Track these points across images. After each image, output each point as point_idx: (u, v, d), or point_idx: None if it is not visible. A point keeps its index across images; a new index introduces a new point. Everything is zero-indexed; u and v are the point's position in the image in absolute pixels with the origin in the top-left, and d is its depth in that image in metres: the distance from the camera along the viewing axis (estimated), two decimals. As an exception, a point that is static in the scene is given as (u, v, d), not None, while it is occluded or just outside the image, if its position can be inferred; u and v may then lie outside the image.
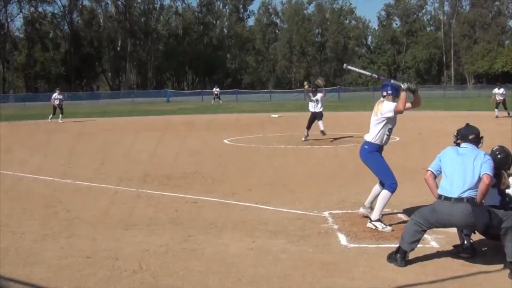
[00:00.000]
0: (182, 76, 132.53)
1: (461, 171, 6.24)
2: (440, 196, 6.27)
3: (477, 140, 6.63)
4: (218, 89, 67.34)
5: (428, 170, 6.60)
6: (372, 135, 8.19)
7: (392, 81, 8.33)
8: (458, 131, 6.84)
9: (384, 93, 8.27)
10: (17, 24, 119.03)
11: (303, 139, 20.43)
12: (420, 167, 11.06)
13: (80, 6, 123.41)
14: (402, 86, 7.82)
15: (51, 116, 35.36)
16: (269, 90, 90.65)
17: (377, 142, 8.12)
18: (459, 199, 6.12)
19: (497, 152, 6.83)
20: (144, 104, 65.20)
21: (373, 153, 8.15)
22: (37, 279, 6.09)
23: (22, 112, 51.30)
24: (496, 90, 32.41)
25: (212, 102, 63.12)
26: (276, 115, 36.72)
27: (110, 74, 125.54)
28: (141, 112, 47.02)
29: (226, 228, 8.12)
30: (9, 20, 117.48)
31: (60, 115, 35.51)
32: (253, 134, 23.82)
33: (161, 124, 32.28)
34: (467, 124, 6.84)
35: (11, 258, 6.86)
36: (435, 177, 6.58)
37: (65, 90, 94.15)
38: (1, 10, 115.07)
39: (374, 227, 7.91)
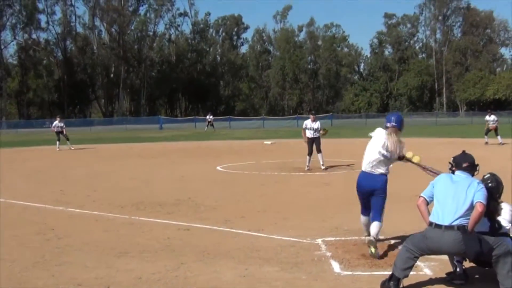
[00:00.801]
0: (175, 103, 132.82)
1: (454, 199, 6.24)
2: (431, 224, 6.26)
3: (471, 169, 6.63)
4: (211, 117, 67.78)
5: (421, 196, 6.59)
6: (387, 168, 8.19)
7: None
8: (454, 158, 6.84)
9: (388, 125, 8.21)
10: (10, 50, 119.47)
11: (306, 168, 20.07)
12: (412, 194, 11.08)
13: (74, 33, 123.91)
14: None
15: (58, 144, 35.08)
16: (262, 117, 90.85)
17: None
18: (450, 227, 6.10)
19: (489, 181, 6.84)
20: (137, 131, 65.23)
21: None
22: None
23: (15, 139, 51.18)
24: (487, 117, 32.63)
25: (206, 129, 63.36)
26: (269, 142, 36.77)
27: (103, 100, 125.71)
28: (134, 139, 47.00)
29: (219, 255, 8.08)
30: (2, 47, 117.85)
31: (67, 141, 35.30)
32: (246, 161, 23.80)
33: (154, 151, 32.27)
34: (463, 152, 6.85)
35: (2, 286, 6.81)
36: (428, 203, 6.56)
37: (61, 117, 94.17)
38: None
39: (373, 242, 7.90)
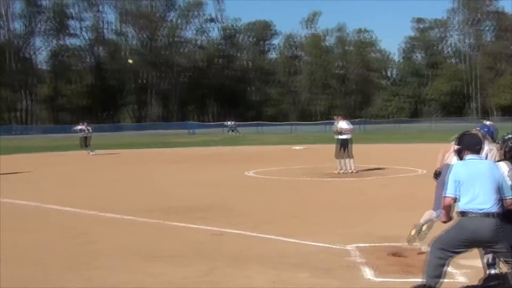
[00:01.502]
0: (205, 108, 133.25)
1: (482, 186, 5.97)
2: (463, 213, 6.04)
3: (480, 149, 6.38)
4: (232, 122, 69.52)
5: (447, 197, 6.17)
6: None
7: None
8: (462, 140, 6.46)
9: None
10: (42, 57, 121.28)
11: (340, 171, 20.12)
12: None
13: (104, 39, 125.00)
14: None
15: (88, 149, 35.37)
16: (291, 122, 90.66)
17: None
18: (487, 214, 5.88)
19: (510, 142, 6.57)
20: (168, 136, 65.50)
21: None
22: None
23: (47, 143, 51.72)
24: None
25: (231, 134, 64.34)
26: (298, 147, 36.69)
27: (134, 106, 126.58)
28: (164, 144, 47.23)
29: (250, 261, 8.06)
30: (34, 53, 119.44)
31: (88, 147, 35.46)
32: (276, 167, 23.77)
33: (184, 156, 32.41)
34: (470, 133, 6.60)
35: (35, 290, 6.88)
36: (455, 202, 6.19)
37: (90, 122, 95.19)
38: (27, 43, 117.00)
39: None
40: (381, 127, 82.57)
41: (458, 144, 6.50)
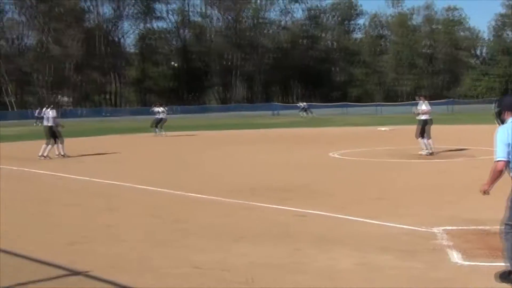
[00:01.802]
0: (290, 89, 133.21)
1: None
2: None
3: None
4: (305, 103, 69.65)
5: (500, 160, 5.81)
6: None
7: None
8: (500, 102, 6.21)
9: None
10: (130, 40, 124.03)
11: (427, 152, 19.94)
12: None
13: (190, 21, 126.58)
14: None
15: (157, 131, 35.89)
16: (377, 103, 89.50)
17: None
18: None
19: None
20: (252, 118, 65.92)
21: None
22: (145, 287, 6.24)
23: (134, 125, 52.97)
24: None
25: (302, 115, 64.42)
26: (384, 128, 36.21)
27: (219, 88, 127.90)
28: (249, 125, 47.55)
29: (334, 242, 8.04)
30: (123, 36, 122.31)
31: (161, 129, 35.94)
32: (361, 148, 23.56)
33: (268, 138, 32.54)
34: (509, 94, 6.31)
35: (125, 267, 7.08)
36: (508, 164, 5.84)
37: (176, 104, 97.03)
38: (116, 27, 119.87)
39: None
40: (470, 107, 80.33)
41: (498, 106, 6.20)
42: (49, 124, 22.36)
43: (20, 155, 23.34)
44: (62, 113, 57.79)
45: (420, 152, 19.80)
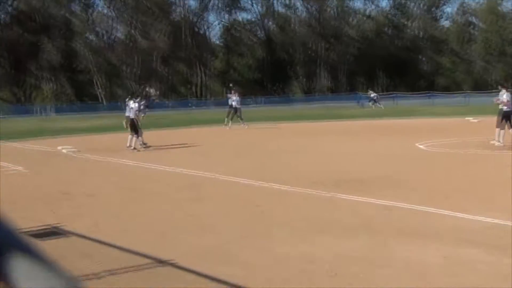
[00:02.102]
0: (374, 79, 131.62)
1: None
2: None
3: None
4: (374, 93, 66.37)
5: None
6: None
7: None
8: None
9: None
10: (215, 31, 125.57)
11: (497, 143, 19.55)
12: None
13: (274, 12, 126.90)
14: None
15: (227, 121, 35.17)
16: (465, 92, 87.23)
17: None
18: None
19: None
20: (337, 108, 65.54)
21: None
22: (234, 277, 6.37)
23: (219, 116, 53.56)
24: None
25: (372, 106, 62.15)
26: (473, 119, 35.27)
27: (303, 78, 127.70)
28: (333, 116, 47.31)
29: (421, 235, 7.96)
30: (208, 28, 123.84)
31: (241, 120, 34.89)
32: (449, 139, 23.09)
33: (354, 128, 32.31)
34: None
35: (210, 257, 7.24)
36: None
37: (260, 94, 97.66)
38: (201, 19, 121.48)
39: None
40: None
41: None
42: (131, 116, 22.80)
43: (110, 146, 24.03)
44: (149, 105, 59.08)
45: (491, 142, 19.51)
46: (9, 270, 0.62)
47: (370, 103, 64.30)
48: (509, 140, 19.42)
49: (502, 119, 19.71)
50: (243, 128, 33.89)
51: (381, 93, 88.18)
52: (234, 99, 35.69)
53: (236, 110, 35.32)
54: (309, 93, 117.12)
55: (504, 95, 19.96)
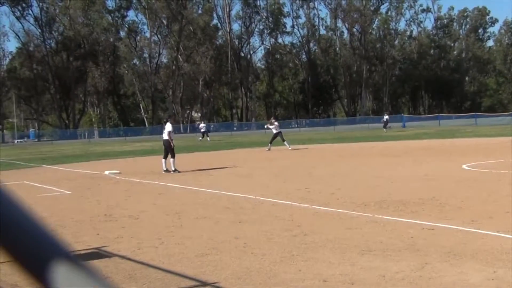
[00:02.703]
0: (418, 100, 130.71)
1: None
2: None
3: None
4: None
5: None
6: None
7: None
8: None
9: None
10: (258, 55, 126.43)
11: None
12: None
13: (317, 35, 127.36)
14: None
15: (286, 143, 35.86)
16: (510, 113, 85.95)
17: None
18: None
19: None
20: (379, 130, 65.13)
21: None
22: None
23: (262, 139, 53.74)
24: None
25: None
26: (518, 139, 34.66)
27: (345, 100, 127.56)
28: (376, 138, 47.05)
29: (465, 256, 7.84)
30: (251, 52, 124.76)
31: (284, 142, 35.77)
32: (494, 159, 22.74)
33: (396, 150, 32.06)
34: None
35: (253, 279, 7.23)
36: None
37: (303, 117, 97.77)
38: (245, 43, 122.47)
39: None
40: None
41: None
42: (164, 138, 22.98)
43: (154, 169, 24.26)
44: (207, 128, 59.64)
45: None
46: (51, 274, 0.62)
47: (384, 128, 62.96)
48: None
49: None
50: (285, 150, 34.07)
51: (423, 115, 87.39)
52: (274, 126, 36.74)
53: (277, 134, 36.25)
54: (352, 114, 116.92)
55: None
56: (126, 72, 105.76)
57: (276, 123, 37.18)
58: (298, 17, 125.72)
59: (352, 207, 12.36)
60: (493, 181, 16.55)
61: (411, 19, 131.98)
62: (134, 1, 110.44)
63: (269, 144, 36.01)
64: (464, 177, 17.72)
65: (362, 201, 13.09)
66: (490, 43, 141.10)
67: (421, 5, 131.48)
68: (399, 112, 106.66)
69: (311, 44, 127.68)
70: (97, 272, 0.65)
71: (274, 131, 36.51)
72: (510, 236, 8.93)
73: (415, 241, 8.93)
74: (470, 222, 10.13)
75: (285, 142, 35.71)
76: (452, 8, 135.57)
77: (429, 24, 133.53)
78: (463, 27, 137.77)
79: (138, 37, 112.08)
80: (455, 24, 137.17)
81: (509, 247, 8.30)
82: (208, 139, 56.52)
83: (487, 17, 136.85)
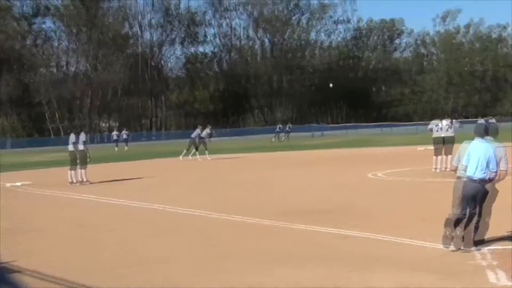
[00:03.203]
0: (331, 110, 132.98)
1: None
2: None
3: None
4: (281, 126, 64.85)
5: None
6: None
7: None
8: None
9: None
10: (174, 64, 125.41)
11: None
12: None
13: (233, 44, 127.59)
14: None
15: (192, 154, 35.32)
16: (416, 122, 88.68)
17: None
18: None
19: None
20: (292, 139, 65.73)
21: None
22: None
23: (177, 148, 53.39)
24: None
25: (273, 140, 60.87)
26: (423, 148, 35.62)
27: (261, 110, 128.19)
28: (288, 147, 47.51)
29: (375, 264, 8.00)
30: (166, 61, 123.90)
31: (206, 151, 35.37)
32: (400, 168, 23.40)
33: (307, 159, 32.51)
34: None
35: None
36: None
37: (222, 126, 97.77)
38: (160, 52, 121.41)
39: None
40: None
41: None
42: (70, 149, 22.47)
43: (65, 180, 23.57)
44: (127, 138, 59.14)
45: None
46: None
47: (273, 138, 63.16)
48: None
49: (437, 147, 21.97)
50: (204, 159, 33.96)
51: (336, 124, 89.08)
52: (203, 133, 36.19)
53: (201, 142, 35.60)
54: (267, 124, 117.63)
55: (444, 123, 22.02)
56: (42, 79, 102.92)
57: (206, 131, 36.94)
58: (213, 26, 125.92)
59: (267, 216, 12.38)
60: (401, 189, 17.04)
61: (330, 29, 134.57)
62: (50, 9, 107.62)
63: (194, 153, 35.40)
64: (373, 185, 18.18)
65: (276, 210, 13.20)
66: (402, 54, 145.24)
67: (340, 16, 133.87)
68: (312, 121, 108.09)
69: (228, 54, 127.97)
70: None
71: (203, 135, 36.01)
72: (418, 243, 9.20)
73: (328, 249, 9.08)
74: (380, 230, 10.35)
75: (206, 152, 35.32)
76: (370, 20, 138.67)
77: (343, 34, 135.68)
78: (380, 37, 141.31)
79: (56, 44, 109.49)
80: (368, 35, 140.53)
81: (415, 254, 8.56)
82: (126, 148, 56.07)
83: (399, 29, 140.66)
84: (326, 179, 20.65)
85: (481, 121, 11.26)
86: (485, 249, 8.57)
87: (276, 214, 12.74)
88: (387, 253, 8.69)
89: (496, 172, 8.65)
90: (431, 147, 23.01)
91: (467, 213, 8.56)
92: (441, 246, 8.77)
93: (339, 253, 8.83)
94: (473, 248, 8.55)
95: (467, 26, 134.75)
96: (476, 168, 8.49)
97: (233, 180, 22.00)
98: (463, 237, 8.47)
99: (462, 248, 8.44)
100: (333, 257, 8.52)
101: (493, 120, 9.09)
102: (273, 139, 62.80)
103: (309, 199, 15.33)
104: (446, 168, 20.04)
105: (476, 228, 8.67)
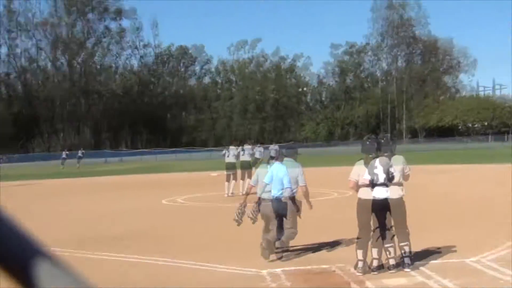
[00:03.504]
0: (122, 136, 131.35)
1: None
2: None
3: None
4: (67, 152, 64.51)
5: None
6: None
7: None
8: None
9: None
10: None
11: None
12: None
13: (36, 66, 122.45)
14: None
15: None
16: (209, 148, 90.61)
17: None
18: None
19: None
20: (83, 165, 63.93)
21: None
22: None
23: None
24: None
25: (61, 166, 59.89)
26: (215, 174, 36.13)
27: (62, 134, 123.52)
28: (78, 174, 46.18)
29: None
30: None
31: None
32: (193, 194, 23.68)
33: (98, 185, 31.85)
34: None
35: None
36: None
37: (15, 151, 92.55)
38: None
39: None
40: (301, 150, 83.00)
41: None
42: None
43: None
44: None
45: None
46: (35, 276, 0.65)
47: (63, 165, 61.53)
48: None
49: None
50: None
51: (128, 150, 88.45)
52: None
53: None
54: (69, 149, 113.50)
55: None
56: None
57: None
58: (14, 46, 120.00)
59: (51, 244, 11.90)
60: (194, 215, 17.28)
61: (129, 54, 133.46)
62: None
63: None
64: (167, 211, 18.30)
65: (63, 238, 12.77)
66: (206, 79, 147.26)
67: (141, 40, 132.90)
68: (115, 146, 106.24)
69: (28, 75, 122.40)
70: (76, 271, 0.70)
71: None
72: (211, 267, 9.34)
73: (114, 277, 8.94)
74: (169, 255, 10.44)
75: None
76: (172, 45, 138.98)
77: (147, 59, 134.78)
78: (180, 63, 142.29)
79: None
80: (172, 60, 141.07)
81: (205, 278, 8.69)
82: None
83: (192, 56, 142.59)
84: (119, 206, 20.37)
85: (274, 147, 12.51)
86: (279, 270, 8.89)
87: (63, 242, 12.30)
88: (176, 278, 8.73)
89: (290, 188, 9.74)
90: (224, 172, 23.60)
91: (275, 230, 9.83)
92: (229, 268, 8.98)
93: (125, 280, 8.72)
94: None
95: (264, 56, 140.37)
96: (276, 187, 9.62)
97: (28, 209, 20.92)
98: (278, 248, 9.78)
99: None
100: (117, 285, 8.38)
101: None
102: (61, 166, 60.59)
103: (99, 226, 15.01)
104: (240, 192, 20.46)
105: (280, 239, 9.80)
